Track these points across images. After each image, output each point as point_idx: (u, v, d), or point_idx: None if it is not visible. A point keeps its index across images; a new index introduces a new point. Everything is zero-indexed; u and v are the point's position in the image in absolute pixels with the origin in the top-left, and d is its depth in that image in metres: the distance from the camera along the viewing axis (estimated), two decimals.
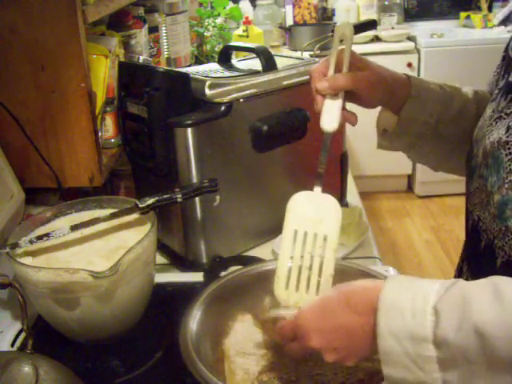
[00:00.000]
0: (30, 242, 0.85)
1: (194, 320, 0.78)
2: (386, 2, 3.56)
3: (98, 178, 1.15)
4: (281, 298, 0.74)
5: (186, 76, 1.02)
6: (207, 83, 1.02)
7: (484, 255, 0.76)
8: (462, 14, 3.66)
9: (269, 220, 1.14)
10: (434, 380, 0.57)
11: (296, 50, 3.15)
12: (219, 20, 2.44)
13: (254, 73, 1.10)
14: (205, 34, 2.30)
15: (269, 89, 1.08)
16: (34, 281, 0.78)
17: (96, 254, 0.86)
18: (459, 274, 0.89)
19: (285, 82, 1.10)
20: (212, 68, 1.16)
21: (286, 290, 0.73)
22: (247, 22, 2.58)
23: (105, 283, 0.78)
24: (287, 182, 1.16)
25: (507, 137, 0.71)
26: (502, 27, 3.40)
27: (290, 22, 3.58)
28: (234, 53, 1.66)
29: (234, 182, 1.09)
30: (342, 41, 0.79)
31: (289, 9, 3.60)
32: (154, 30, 1.67)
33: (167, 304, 0.97)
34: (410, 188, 3.76)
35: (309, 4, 3.59)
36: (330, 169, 1.26)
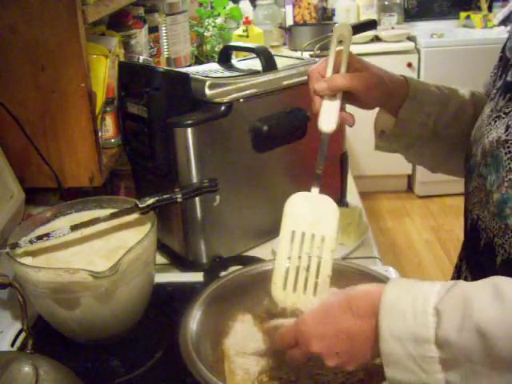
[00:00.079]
0: (30, 242, 0.85)
1: (194, 320, 0.78)
2: (386, 2, 3.56)
3: (98, 178, 1.15)
4: (278, 298, 0.74)
5: (186, 76, 1.02)
6: (207, 83, 1.02)
7: (484, 254, 0.77)
8: (462, 14, 3.66)
9: (269, 220, 1.14)
10: (436, 381, 0.57)
11: (296, 50, 3.15)
12: (219, 20, 2.44)
13: (254, 73, 1.10)
14: (205, 34, 2.30)
15: (269, 89, 1.08)
16: (34, 281, 0.78)
17: (96, 254, 0.86)
18: (458, 273, 0.89)
19: (285, 82, 1.10)
20: (212, 68, 1.16)
21: (284, 291, 0.73)
22: (247, 22, 2.58)
23: (105, 283, 0.77)
24: (287, 182, 1.16)
25: (506, 135, 0.71)
26: (502, 27, 3.40)
27: (290, 21, 3.59)
28: (234, 53, 1.66)
29: (234, 181, 1.09)
30: (340, 41, 0.79)
31: (289, 9, 3.60)
32: (153, 29, 1.67)
33: (167, 304, 0.97)
34: (409, 188, 3.76)
35: (309, 4, 3.59)
36: (330, 169, 1.28)
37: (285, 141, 1.12)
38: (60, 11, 1.03)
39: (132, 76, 1.08)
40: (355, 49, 3.39)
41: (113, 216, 0.90)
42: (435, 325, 0.56)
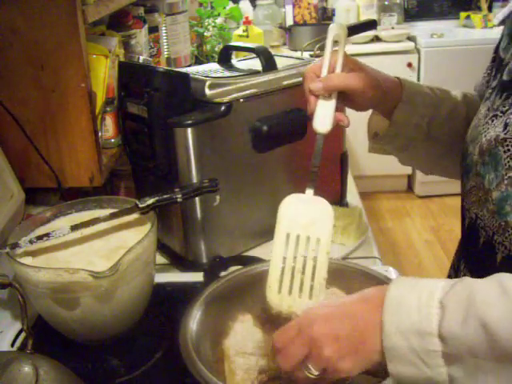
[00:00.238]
0: (30, 241, 0.85)
1: (194, 320, 0.78)
2: (386, 2, 3.56)
3: (98, 178, 1.15)
4: (273, 302, 0.73)
5: (185, 76, 1.02)
6: (207, 83, 1.02)
7: (483, 252, 0.77)
8: (462, 14, 3.66)
9: (269, 220, 1.12)
10: (439, 375, 0.57)
11: (296, 50, 3.15)
12: (219, 20, 2.44)
13: (254, 73, 1.10)
14: (205, 33, 2.30)
15: (269, 89, 1.08)
16: (34, 281, 0.78)
17: (96, 254, 0.86)
18: (455, 272, 0.89)
19: (285, 82, 1.10)
20: (212, 68, 1.16)
21: (279, 295, 0.72)
22: (247, 22, 2.58)
23: (105, 283, 0.77)
24: (287, 182, 1.16)
25: (505, 134, 0.72)
26: (502, 27, 3.39)
27: (290, 21, 3.59)
28: (234, 53, 1.66)
29: (234, 182, 1.09)
30: (336, 42, 0.79)
31: (289, 9, 3.60)
32: (154, 29, 1.67)
33: (167, 304, 0.97)
34: (409, 188, 3.76)
35: (309, 4, 3.60)
36: (330, 169, 1.28)
37: (285, 141, 1.12)
38: (60, 11, 1.03)
39: (132, 76, 1.08)
40: (355, 49, 3.41)
41: (113, 216, 0.90)
42: (439, 318, 0.56)
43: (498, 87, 0.79)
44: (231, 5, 2.65)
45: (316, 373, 0.63)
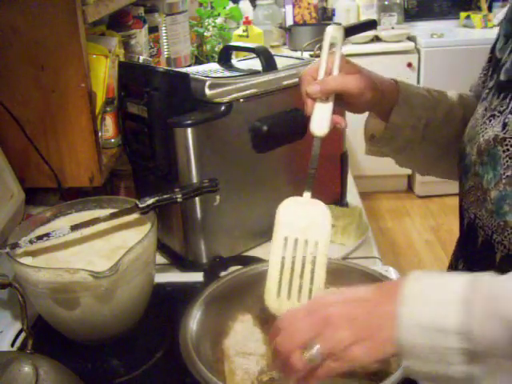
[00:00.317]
0: (30, 241, 0.85)
1: (194, 320, 0.78)
2: (386, 2, 3.56)
3: (98, 178, 1.15)
4: (272, 307, 0.72)
5: (185, 76, 1.02)
6: (207, 83, 1.02)
7: (482, 251, 0.77)
8: (462, 14, 3.66)
9: (269, 220, 1.12)
10: (457, 373, 0.55)
11: (296, 50, 3.15)
12: (219, 20, 2.44)
13: (254, 73, 1.10)
14: (205, 34, 2.30)
15: (269, 89, 1.08)
16: (34, 281, 0.78)
17: (96, 254, 0.86)
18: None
19: (285, 82, 1.10)
20: (212, 68, 1.16)
21: (278, 299, 0.72)
22: (247, 22, 2.58)
23: (105, 283, 0.77)
24: (287, 182, 1.16)
25: (504, 133, 0.72)
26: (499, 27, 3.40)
27: (290, 21, 3.59)
28: (234, 53, 1.66)
29: (234, 182, 1.09)
30: (332, 44, 0.78)
31: (289, 9, 3.60)
32: (154, 30, 1.67)
33: (167, 304, 0.97)
34: (409, 188, 3.76)
35: (309, 4, 3.60)
36: (330, 169, 1.27)
37: (285, 141, 1.12)
38: (60, 11, 1.03)
39: (132, 76, 1.08)
40: (355, 49, 3.41)
41: (113, 216, 0.90)
42: (461, 315, 0.54)
43: (496, 87, 0.79)
44: (231, 5, 2.65)
45: (318, 358, 0.58)
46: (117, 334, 0.87)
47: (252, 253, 1.13)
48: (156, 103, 0.99)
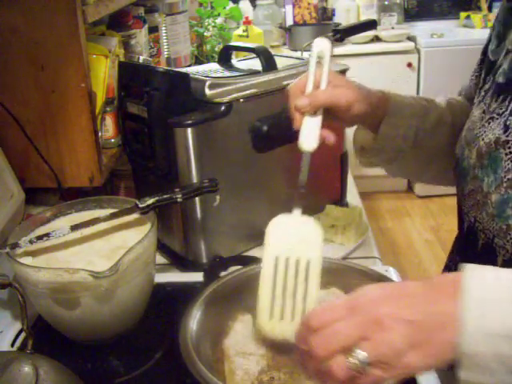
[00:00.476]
0: (30, 241, 0.85)
1: (194, 320, 0.78)
2: (386, 2, 3.56)
3: (98, 178, 1.15)
4: (265, 329, 0.71)
5: (185, 76, 1.02)
6: (207, 83, 1.02)
7: (482, 255, 0.76)
8: (462, 14, 3.66)
9: (269, 220, 1.13)
10: None
11: (296, 50, 3.15)
12: (219, 20, 2.44)
13: (254, 73, 1.10)
14: (205, 34, 2.30)
15: (269, 89, 1.08)
16: (34, 281, 0.78)
17: (96, 254, 0.86)
18: None
19: (285, 82, 1.10)
20: (212, 68, 1.16)
21: (270, 321, 0.70)
22: (247, 22, 2.57)
23: (105, 283, 0.77)
24: (287, 182, 1.16)
25: (507, 136, 0.71)
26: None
27: (290, 22, 3.59)
28: (234, 53, 1.66)
29: (234, 182, 1.09)
30: (319, 57, 0.77)
31: (289, 9, 3.60)
32: (153, 30, 1.67)
33: (167, 304, 0.97)
34: (409, 188, 3.76)
35: (309, 4, 3.59)
36: (330, 169, 1.27)
37: (285, 141, 1.12)
38: (60, 11, 1.03)
39: (132, 76, 1.08)
40: (355, 49, 3.41)
41: (113, 216, 0.90)
42: None
43: (493, 89, 0.78)
44: (231, 5, 2.65)
45: (365, 365, 0.50)
46: (117, 334, 0.87)
47: (252, 253, 1.13)
48: (156, 103, 0.99)
